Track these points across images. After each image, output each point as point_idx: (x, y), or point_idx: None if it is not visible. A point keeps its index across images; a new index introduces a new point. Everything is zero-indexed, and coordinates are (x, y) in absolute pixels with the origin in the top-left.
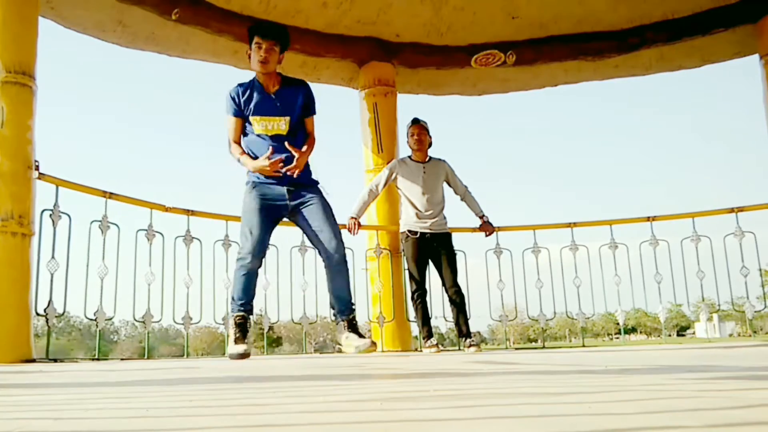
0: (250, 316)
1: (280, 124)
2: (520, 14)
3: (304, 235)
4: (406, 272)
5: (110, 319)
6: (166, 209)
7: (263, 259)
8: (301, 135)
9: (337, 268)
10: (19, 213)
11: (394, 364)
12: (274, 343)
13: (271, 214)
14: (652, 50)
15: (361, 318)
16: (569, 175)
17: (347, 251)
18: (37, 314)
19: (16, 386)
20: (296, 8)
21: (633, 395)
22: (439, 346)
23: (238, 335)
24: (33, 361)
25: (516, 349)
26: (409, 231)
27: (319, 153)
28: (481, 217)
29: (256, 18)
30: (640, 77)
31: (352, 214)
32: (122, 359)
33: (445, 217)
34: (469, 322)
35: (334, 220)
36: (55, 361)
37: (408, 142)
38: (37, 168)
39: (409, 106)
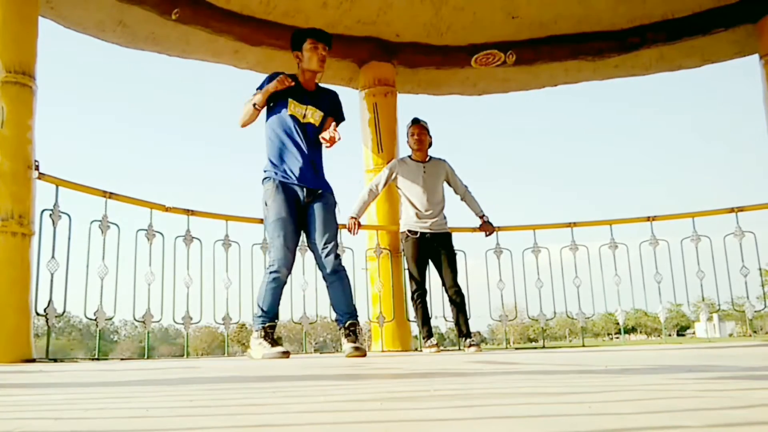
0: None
1: (315, 115)
2: (520, 14)
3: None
4: (406, 272)
5: (110, 319)
6: (166, 209)
7: (292, 270)
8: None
9: (331, 279)
10: (19, 213)
11: (394, 364)
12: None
13: (299, 219)
14: (652, 50)
15: (361, 318)
16: (569, 175)
17: (347, 252)
18: (37, 314)
19: (16, 386)
20: (296, 8)
21: (633, 395)
22: (439, 346)
23: (270, 342)
24: (33, 361)
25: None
26: (409, 231)
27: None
28: (481, 217)
29: (256, 18)
30: (640, 77)
31: (352, 214)
32: (122, 359)
33: (445, 217)
34: (469, 322)
35: (336, 230)
36: (55, 361)
37: (408, 141)
38: (37, 168)
39: (409, 106)
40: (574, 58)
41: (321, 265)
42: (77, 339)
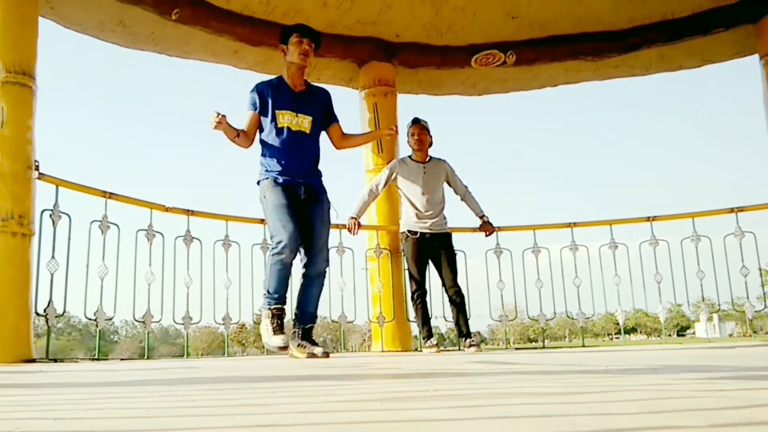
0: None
1: (304, 122)
2: (520, 14)
3: None
4: (406, 272)
5: (110, 319)
6: (166, 209)
7: (297, 253)
8: (319, 139)
9: (315, 281)
10: (19, 213)
11: (394, 364)
12: None
13: (298, 207)
14: (652, 50)
15: (361, 318)
16: (569, 175)
17: (347, 252)
18: (37, 314)
19: (16, 386)
20: (296, 8)
21: (633, 395)
22: (439, 346)
23: (276, 326)
24: (33, 361)
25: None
26: (409, 231)
27: (321, 153)
28: (481, 217)
29: (256, 18)
30: (640, 77)
31: (352, 214)
32: (122, 359)
33: (445, 217)
34: (469, 322)
35: (329, 234)
36: (55, 361)
37: (408, 141)
38: (37, 168)
39: (409, 106)
40: (574, 58)
41: (308, 263)
42: (77, 339)
